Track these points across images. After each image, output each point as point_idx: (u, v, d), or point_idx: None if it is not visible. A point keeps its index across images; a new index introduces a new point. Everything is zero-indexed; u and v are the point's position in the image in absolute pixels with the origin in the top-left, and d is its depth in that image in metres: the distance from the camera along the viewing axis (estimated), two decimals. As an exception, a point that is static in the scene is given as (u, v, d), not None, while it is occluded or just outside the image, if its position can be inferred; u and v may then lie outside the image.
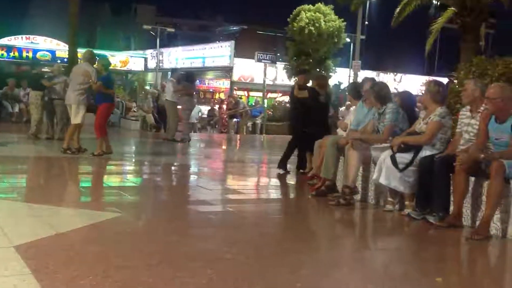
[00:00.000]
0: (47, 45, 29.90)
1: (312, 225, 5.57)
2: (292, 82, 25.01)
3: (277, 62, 26.95)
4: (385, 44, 45.38)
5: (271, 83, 29.73)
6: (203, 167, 9.69)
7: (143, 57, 34.00)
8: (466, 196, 4.99)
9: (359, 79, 18.60)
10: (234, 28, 45.90)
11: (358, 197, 6.16)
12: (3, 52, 27.73)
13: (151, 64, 34.21)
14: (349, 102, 10.28)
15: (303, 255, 3.94)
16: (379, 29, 33.81)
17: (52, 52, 28.13)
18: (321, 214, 5.96)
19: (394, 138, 5.70)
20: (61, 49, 27.39)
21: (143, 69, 33.06)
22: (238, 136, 20.36)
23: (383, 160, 5.57)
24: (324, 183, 6.38)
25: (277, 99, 31.02)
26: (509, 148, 4.78)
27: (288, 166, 8.58)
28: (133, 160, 10.22)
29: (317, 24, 24.13)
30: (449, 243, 4.69)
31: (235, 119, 22.13)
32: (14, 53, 27.78)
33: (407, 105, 6.38)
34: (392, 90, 7.97)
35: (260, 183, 8.39)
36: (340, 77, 27.20)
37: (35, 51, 27.88)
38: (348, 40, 27.63)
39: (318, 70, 24.20)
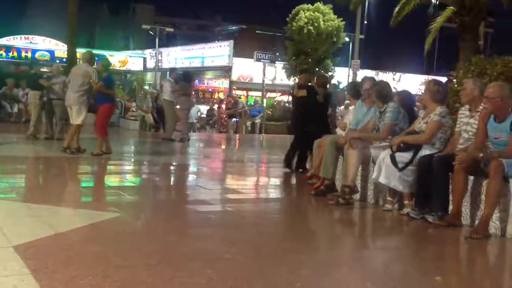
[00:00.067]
0: (46, 45, 29.90)
1: (312, 224, 5.57)
2: (291, 81, 25.09)
3: (276, 62, 26.94)
4: (384, 44, 45.42)
5: (270, 82, 29.74)
6: (202, 167, 9.69)
7: (142, 57, 33.98)
8: (465, 195, 4.99)
9: (358, 79, 18.60)
10: (233, 27, 45.92)
11: (357, 196, 6.16)
12: (2, 52, 27.70)
13: (150, 64, 34.20)
14: (348, 102, 10.27)
15: (302, 254, 3.94)
16: (378, 28, 33.89)
17: (51, 52, 28.13)
18: (320, 214, 5.96)
19: (394, 137, 5.70)
20: (60, 49, 27.39)
21: (142, 69, 33.03)
22: (237, 135, 20.35)
23: (382, 159, 5.57)
24: (323, 183, 6.38)
25: (276, 98, 31.03)
26: (508, 147, 4.78)
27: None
28: (132, 160, 10.21)
29: (316, 24, 24.12)
30: (448, 242, 4.69)
31: (234, 119, 22.12)
32: (13, 53, 27.76)
33: (406, 104, 6.37)
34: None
35: (259, 182, 8.39)
36: (339, 76, 27.21)
37: (34, 51, 27.87)
38: (347, 39, 27.66)
39: (317, 69, 24.20)
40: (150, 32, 35.23)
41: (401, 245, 4.73)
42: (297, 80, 15.88)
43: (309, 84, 8.80)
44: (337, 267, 3.81)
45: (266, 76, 25.68)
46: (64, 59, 22.23)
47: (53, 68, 12.64)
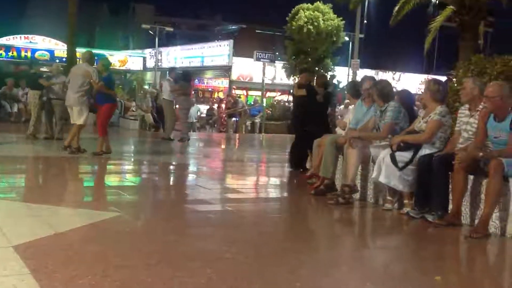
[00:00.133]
0: (45, 45, 29.88)
1: (311, 224, 5.57)
2: (291, 81, 25.09)
3: (275, 61, 26.95)
4: (384, 43, 45.43)
5: (270, 82, 29.72)
6: (202, 166, 9.69)
7: (141, 57, 33.97)
8: (465, 195, 4.99)
9: (358, 78, 18.61)
10: (233, 27, 45.84)
11: (357, 196, 6.16)
12: (1, 51, 27.70)
13: (150, 63, 34.18)
14: (348, 101, 10.26)
15: (302, 254, 3.94)
16: (377, 27, 33.88)
17: (51, 52, 28.13)
18: (320, 213, 5.96)
19: (394, 137, 5.70)
20: (60, 48, 27.39)
21: (141, 69, 33.03)
22: (237, 135, 20.35)
23: (382, 158, 5.57)
24: (323, 182, 6.38)
25: (276, 98, 31.03)
26: (508, 146, 4.78)
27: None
28: (132, 159, 10.21)
29: (315, 23, 24.12)
30: (448, 242, 4.69)
31: (234, 118, 22.13)
32: (12, 53, 27.76)
33: (406, 103, 6.37)
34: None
35: (259, 182, 8.39)
36: (339, 76, 27.19)
37: (33, 51, 27.86)
38: (346, 38, 27.63)
39: (317, 69, 24.20)
40: (150, 31, 35.19)
41: (401, 245, 4.73)
42: (297, 79, 15.90)
43: (309, 83, 8.81)
44: (337, 267, 3.80)
45: (265, 75, 25.69)
46: (64, 59, 22.23)
47: (53, 67, 12.64)
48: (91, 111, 9.88)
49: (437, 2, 15.91)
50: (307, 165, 8.38)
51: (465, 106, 5.50)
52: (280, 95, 31.99)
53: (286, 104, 25.90)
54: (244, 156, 12.19)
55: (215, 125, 23.46)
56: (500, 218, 4.73)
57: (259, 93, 27.26)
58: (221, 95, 32.77)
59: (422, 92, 6.82)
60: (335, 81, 25.41)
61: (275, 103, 27.66)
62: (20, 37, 30.95)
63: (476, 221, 4.85)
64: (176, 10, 69.08)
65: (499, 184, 4.60)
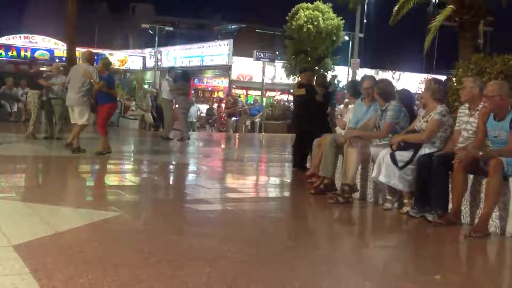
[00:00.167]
0: (45, 44, 29.90)
1: (311, 223, 5.57)
2: (291, 80, 25.08)
3: (275, 61, 26.91)
4: (384, 42, 45.36)
5: (269, 81, 29.67)
6: (202, 166, 9.69)
7: (141, 56, 33.98)
8: (465, 194, 5.00)
9: (358, 77, 18.60)
10: (233, 26, 45.78)
11: (357, 195, 6.16)
12: (1, 51, 27.70)
13: (150, 63, 34.17)
14: (348, 100, 10.27)
15: (302, 253, 3.94)
16: (377, 27, 33.87)
17: (51, 51, 28.13)
18: (320, 213, 5.96)
19: (394, 136, 5.71)
20: (60, 48, 27.39)
21: (141, 68, 33.02)
22: (237, 134, 20.35)
23: (382, 158, 5.57)
24: (323, 182, 6.38)
25: (276, 97, 31.01)
26: (508, 145, 4.78)
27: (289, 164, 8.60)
28: (132, 159, 10.21)
29: (315, 22, 24.12)
30: (447, 241, 4.69)
31: (233, 118, 22.12)
32: (12, 52, 27.76)
33: (406, 103, 6.37)
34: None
35: (259, 181, 8.39)
36: (339, 75, 27.17)
37: (33, 50, 27.86)
38: (346, 38, 27.62)
39: (316, 68, 24.20)
40: (150, 31, 35.17)
41: (401, 244, 4.73)
42: (297, 79, 15.90)
43: (310, 83, 8.81)
44: (336, 266, 3.81)
45: (265, 75, 25.67)
46: (64, 58, 22.23)
47: (53, 67, 12.64)
48: (92, 111, 9.88)
49: (436, 1, 15.93)
50: (307, 165, 8.38)
51: (465, 106, 5.50)
52: (280, 94, 31.97)
53: (286, 103, 25.88)
54: (244, 155, 12.20)
55: (215, 125, 23.46)
56: (500, 217, 4.73)
57: (259, 92, 27.24)
58: (221, 94, 32.74)
59: (422, 91, 6.81)
60: (336, 80, 25.42)
61: (275, 102, 27.63)
62: (20, 36, 30.95)
63: (476, 221, 4.86)
64: (175, 10, 69.01)
65: (499, 184, 4.60)
